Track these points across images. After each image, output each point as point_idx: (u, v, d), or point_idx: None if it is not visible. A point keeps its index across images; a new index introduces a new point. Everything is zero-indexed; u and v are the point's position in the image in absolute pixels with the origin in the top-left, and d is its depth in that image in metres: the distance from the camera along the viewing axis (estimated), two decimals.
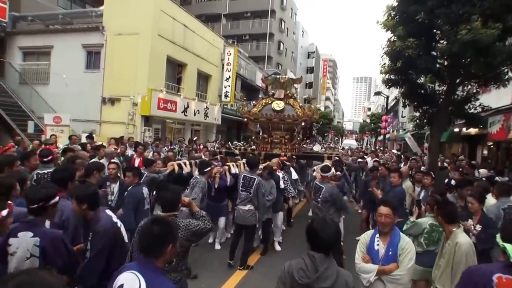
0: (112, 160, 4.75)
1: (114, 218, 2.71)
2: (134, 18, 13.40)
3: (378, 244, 2.87)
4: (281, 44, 39.14)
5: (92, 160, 5.45)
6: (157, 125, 15.18)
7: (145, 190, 4.46)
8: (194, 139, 14.29)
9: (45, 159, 4.54)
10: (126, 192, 4.47)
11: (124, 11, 13.61)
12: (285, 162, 7.09)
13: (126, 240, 2.73)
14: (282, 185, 6.10)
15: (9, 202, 2.14)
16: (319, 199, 4.98)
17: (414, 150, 17.05)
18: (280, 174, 6.29)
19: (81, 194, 2.57)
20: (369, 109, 73.03)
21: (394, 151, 20.61)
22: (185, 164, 6.30)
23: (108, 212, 2.75)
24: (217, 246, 6.07)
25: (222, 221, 6.02)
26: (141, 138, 13.03)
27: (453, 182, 5.58)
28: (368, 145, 53.55)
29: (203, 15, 35.50)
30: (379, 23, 8.21)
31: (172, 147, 11.36)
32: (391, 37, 8.35)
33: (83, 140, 9.72)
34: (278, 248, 6.16)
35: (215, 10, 36.61)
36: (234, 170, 6.16)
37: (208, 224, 2.81)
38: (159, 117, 14.64)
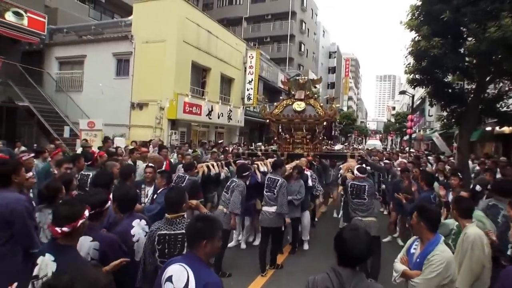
0: (150, 164, 5.06)
1: (134, 230, 2.75)
2: (161, 26, 14.04)
3: (415, 249, 2.85)
4: (302, 45, 39.17)
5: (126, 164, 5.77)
6: (183, 128, 15.74)
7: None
8: (220, 141, 14.72)
9: (88, 162, 5.06)
10: (156, 194, 4.49)
11: (151, 20, 14.27)
12: (313, 162, 7.29)
13: (138, 252, 2.72)
14: (310, 183, 6.19)
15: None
16: (365, 196, 4.89)
17: (443, 150, 16.72)
18: (308, 172, 6.35)
19: (117, 195, 2.75)
20: (394, 108, 71.47)
21: (412, 150, 20.10)
22: (212, 166, 6.54)
23: (136, 222, 2.81)
24: (243, 246, 6.20)
25: (248, 220, 6.20)
26: (168, 141, 13.60)
27: (478, 187, 5.31)
28: (393, 145, 52.42)
29: (224, 19, 36.12)
30: (403, 24, 8.21)
31: (194, 149, 11.69)
32: (415, 37, 8.31)
33: (119, 143, 10.42)
34: (306, 247, 6.23)
35: (236, 14, 37.17)
36: (263, 168, 6.34)
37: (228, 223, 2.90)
38: (185, 121, 15.19)
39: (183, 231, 2.50)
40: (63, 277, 1.13)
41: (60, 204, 2.30)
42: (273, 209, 5.13)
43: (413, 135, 33.12)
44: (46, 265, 2.03)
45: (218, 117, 17.16)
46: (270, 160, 7.04)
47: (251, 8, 36.75)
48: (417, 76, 9.20)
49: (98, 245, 2.36)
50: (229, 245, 5.77)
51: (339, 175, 6.83)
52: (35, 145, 11.25)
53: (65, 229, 2.02)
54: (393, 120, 54.23)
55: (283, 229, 5.43)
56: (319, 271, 2.02)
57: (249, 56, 20.14)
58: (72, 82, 16.00)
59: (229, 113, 18.25)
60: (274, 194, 5.17)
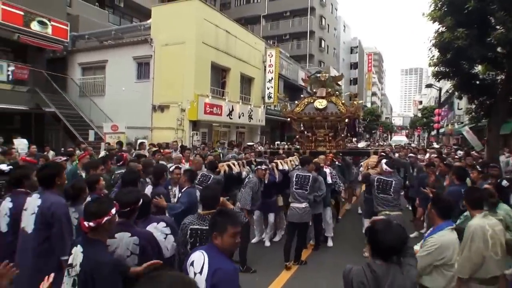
0: (178, 166, 5.19)
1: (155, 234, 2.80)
2: (179, 28, 14.04)
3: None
4: (323, 41, 38.54)
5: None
6: (204, 129, 15.73)
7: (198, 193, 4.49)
8: (239, 141, 14.66)
9: (119, 163, 5.84)
10: (180, 193, 4.60)
11: (170, 22, 14.31)
12: (333, 159, 7.24)
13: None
14: (329, 180, 6.22)
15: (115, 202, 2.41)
16: (391, 192, 4.93)
17: (473, 145, 15.87)
18: (328, 169, 6.36)
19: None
20: (421, 102, 69.29)
21: (436, 146, 19.21)
22: (233, 164, 6.56)
23: (152, 226, 2.85)
24: (267, 243, 6.23)
25: (271, 217, 6.24)
26: (190, 142, 13.60)
27: (505, 182, 5.03)
28: (420, 140, 50.81)
29: (242, 18, 36.06)
30: (425, 15, 7.88)
31: (214, 149, 11.65)
32: (439, 28, 7.99)
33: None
34: (330, 244, 6.22)
35: (254, 12, 37.03)
36: (282, 166, 6.40)
37: (244, 219, 3.09)
38: (206, 121, 15.16)
39: None
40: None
41: (90, 201, 2.50)
42: (303, 205, 5.22)
43: (442, 130, 31.84)
44: (77, 255, 2.22)
45: (239, 117, 17.04)
46: (291, 158, 7.13)
47: (269, 6, 36.51)
48: (442, 68, 8.86)
49: (137, 240, 2.51)
50: (252, 241, 5.97)
51: (360, 172, 6.94)
52: (62, 149, 11.51)
53: (91, 224, 2.19)
54: (419, 115, 52.57)
55: (310, 224, 5.56)
56: (340, 268, 2.03)
57: (269, 55, 19.91)
58: (95, 87, 16.33)
59: (250, 113, 18.10)
60: (306, 191, 5.26)
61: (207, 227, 2.59)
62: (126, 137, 11.77)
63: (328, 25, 40.42)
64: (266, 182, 5.95)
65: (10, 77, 13.30)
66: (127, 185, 3.56)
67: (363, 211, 6.62)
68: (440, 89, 24.13)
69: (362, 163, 7.30)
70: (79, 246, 2.25)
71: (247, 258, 5.07)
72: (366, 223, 5.48)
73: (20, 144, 8.53)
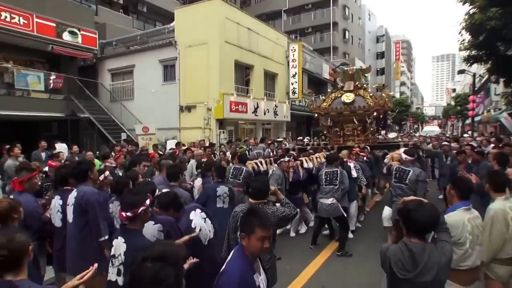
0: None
1: (194, 222, 3.04)
2: (202, 29, 14.24)
3: None
4: (347, 32, 37.71)
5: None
6: (231, 127, 15.89)
7: (220, 188, 4.49)
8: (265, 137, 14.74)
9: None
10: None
11: (193, 24, 14.53)
12: (358, 153, 7.19)
13: (204, 239, 3.04)
14: (354, 174, 6.27)
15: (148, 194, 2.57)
16: (406, 181, 4.92)
17: None
18: (351, 164, 6.41)
19: (164, 202, 2.97)
20: (454, 90, 66.38)
21: (466, 135, 18.29)
22: (261, 163, 6.80)
23: (193, 214, 3.09)
24: (292, 234, 6.44)
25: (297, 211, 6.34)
26: (217, 141, 13.80)
27: None
28: (454, 130, 48.68)
29: (263, 14, 36.00)
30: None
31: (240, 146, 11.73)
32: (469, 10, 7.61)
33: (169, 146, 10.84)
34: (350, 235, 6.25)
35: (275, 7, 36.81)
36: (307, 164, 6.54)
37: (294, 210, 3.01)
38: (232, 119, 15.30)
39: None
40: (156, 248, 1.30)
41: (126, 193, 2.66)
42: (329, 201, 5.42)
43: (478, 118, 30.30)
44: (119, 246, 2.39)
45: (264, 114, 17.06)
46: (318, 154, 7.27)
47: (290, 0, 36.14)
48: (474, 52, 8.44)
49: (161, 227, 2.72)
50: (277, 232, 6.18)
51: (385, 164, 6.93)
52: (97, 152, 12.04)
53: (128, 214, 2.33)
54: (453, 103, 50.36)
55: (345, 215, 5.71)
56: (369, 257, 2.33)
57: (291, 50, 19.75)
58: (124, 91, 16.91)
59: (275, 109, 18.06)
60: (336, 185, 5.46)
61: None
62: (157, 138, 12.13)
63: (352, 14, 39.47)
64: (290, 180, 6.13)
65: (51, 85, 14.04)
66: (171, 178, 4.05)
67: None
68: (474, 75, 22.95)
69: (387, 156, 7.23)
70: (119, 237, 2.42)
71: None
72: (386, 210, 5.61)
73: (61, 148, 9.07)
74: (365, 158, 7.61)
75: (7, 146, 7.60)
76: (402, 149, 5.59)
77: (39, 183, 4.18)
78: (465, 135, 19.85)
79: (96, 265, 2.11)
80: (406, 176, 4.94)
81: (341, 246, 5.51)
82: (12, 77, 12.84)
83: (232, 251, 2.08)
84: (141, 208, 2.39)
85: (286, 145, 12.46)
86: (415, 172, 4.96)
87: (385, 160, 6.82)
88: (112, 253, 2.42)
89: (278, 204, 3.21)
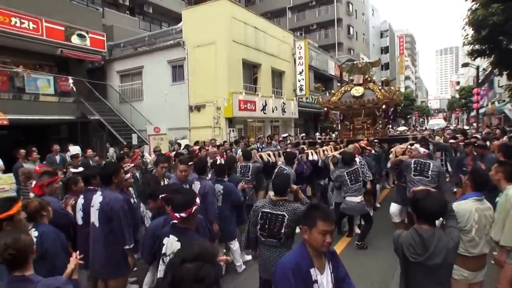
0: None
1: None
2: (210, 29, 14.31)
3: None
4: (351, 28, 37.59)
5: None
6: (240, 125, 15.97)
7: (215, 186, 4.58)
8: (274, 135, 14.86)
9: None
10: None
11: (200, 24, 14.61)
12: (364, 146, 7.14)
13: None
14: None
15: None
16: (429, 174, 4.89)
17: None
18: (357, 159, 6.34)
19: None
20: (458, 83, 66.06)
21: (466, 127, 18.31)
22: (269, 155, 6.97)
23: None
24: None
25: None
26: (227, 139, 13.87)
27: None
28: (459, 122, 48.45)
29: (268, 12, 36.00)
30: None
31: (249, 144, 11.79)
32: (472, 6, 7.73)
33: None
34: (357, 230, 6.26)
35: (279, 5, 36.81)
36: (312, 157, 6.66)
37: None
38: (241, 118, 15.39)
39: (284, 213, 2.89)
40: (193, 249, 1.33)
41: (176, 194, 2.68)
42: (358, 199, 5.47)
43: (482, 110, 30.17)
44: (171, 244, 2.48)
45: (273, 111, 17.13)
46: (326, 147, 7.43)
47: None
48: (477, 46, 8.57)
49: None
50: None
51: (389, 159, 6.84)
52: (107, 153, 12.16)
53: (183, 214, 2.44)
54: (457, 96, 50.09)
55: (371, 213, 5.78)
56: (381, 249, 2.37)
57: (298, 47, 19.78)
58: (133, 92, 17.04)
59: (283, 106, 18.13)
60: (360, 182, 5.53)
61: (277, 212, 2.92)
62: (168, 138, 12.24)
63: (356, 10, 39.33)
64: (293, 171, 6.10)
65: (63, 88, 14.26)
66: (198, 172, 4.37)
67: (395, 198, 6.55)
68: (478, 68, 22.82)
69: (392, 149, 7.10)
70: (171, 236, 2.51)
71: None
72: (394, 206, 5.68)
73: (75, 151, 9.20)
74: (373, 152, 7.58)
75: (22, 151, 7.70)
76: (414, 144, 5.57)
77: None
78: (466, 127, 19.85)
79: (78, 252, 2.40)
80: (428, 169, 4.91)
81: (362, 237, 5.58)
82: (23, 81, 13.01)
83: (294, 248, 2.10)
84: (194, 208, 2.50)
85: (291, 140, 12.54)
86: (436, 164, 4.98)
87: (390, 156, 6.73)
88: (163, 252, 2.50)
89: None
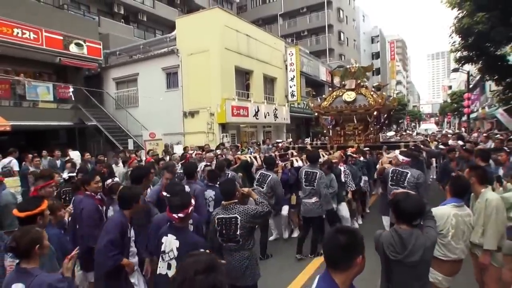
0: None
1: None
2: (203, 37, 14.83)
3: None
4: (342, 34, 38.32)
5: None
6: (233, 130, 16.44)
7: (207, 192, 4.66)
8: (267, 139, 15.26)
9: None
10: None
11: (193, 32, 15.13)
12: (351, 154, 6.98)
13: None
14: (343, 178, 6.15)
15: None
16: (404, 184, 4.64)
17: (509, 127, 15.47)
18: (342, 167, 6.27)
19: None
20: (450, 87, 66.90)
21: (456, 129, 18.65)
22: (255, 158, 7.16)
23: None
24: (285, 235, 6.49)
25: (285, 209, 6.27)
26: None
27: None
28: (451, 127, 49.17)
29: (259, 18, 36.66)
30: (443, 2, 8.02)
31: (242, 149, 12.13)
32: (458, 14, 8.09)
33: (176, 150, 11.38)
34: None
35: (271, 11, 37.47)
36: (297, 163, 6.52)
37: (266, 207, 3.16)
38: (234, 123, 15.87)
39: (236, 215, 3.03)
40: (203, 260, 1.40)
41: (173, 196, 2.87)
42: (312, 200, 5.31)
43: (474, 114, 30.80)
44: (170, 242, 2.67)
45: (265, 117, 17.63)
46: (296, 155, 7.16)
47: (285, 4, 36.82)
48: (464, 53, 8.87)
49: (191, 221, 3.08)
50: (270, 238, 6.11)
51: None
52: (105, 158, 12.53)
53: (180, 215, 2.64)
54: (449, 100, 50.89)
55: (323, 216, 5.50)
56: (369, 260, 1.80)
57: (289, 54, 20.32)
58: (129, 99, 17.47)
59: (275, 112, 18.64)
60: (314, 187, 5.30)
61: (229, 216, 3.04)
62: (163, 144, 12.66)
63: (347, 17, 40.09)
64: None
65: (69, 96, 14.76)
66: (187, 176, 4.50)
67: (379, 208, 6.34)
68: (468, 73, 23.49)
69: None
70: (169, 235, 2.69)
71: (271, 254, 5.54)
72: (385, 221, 5.46)
73: (74, 156, 9.61)
74: (362, 159, 7.47)
75: (30, 155, 8.16)
76: (396, 151, 5.33)
77: (54, 190, 4.41)
78: (456, 131, 20.10)
79: (77, 248, 2.61)
80: (404, 179, 4.69)
81: (313, 248, 5.39)
82: (24, 89, 13.44)
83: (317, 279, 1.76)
84: (190, 208, 2.70)
85: (282, 145, 12.55)
86: (414, 174, 4.70)
87: (377, 166, 6.34)
88: (162, 249, 2.70)
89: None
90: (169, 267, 2.65)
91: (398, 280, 2.42)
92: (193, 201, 2.78)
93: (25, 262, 2.18)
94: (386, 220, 5.46)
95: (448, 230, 2.97)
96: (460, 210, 3.04)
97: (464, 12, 7.83)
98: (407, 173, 4.73)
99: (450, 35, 8.97)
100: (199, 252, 1.98)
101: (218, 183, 4.58)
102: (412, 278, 2.39)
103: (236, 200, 3.14)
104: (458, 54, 9.45)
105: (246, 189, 3.42)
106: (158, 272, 2.72)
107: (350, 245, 1.67)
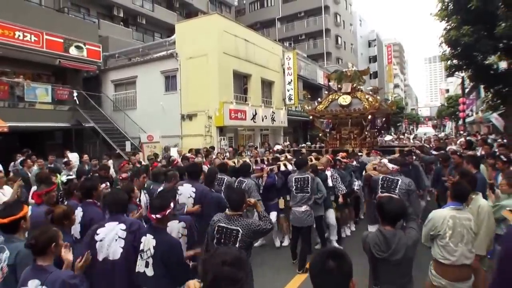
0: None
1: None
2: (202, 41, 15.01)
3: None
4: (339, 38, 38.70)
5: None
6: (230, 133, 16.58)
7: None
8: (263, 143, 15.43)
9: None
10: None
11: (193, 37, 15.30)
12: (339, 159, 6.76)
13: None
14: (330, 183, 5.93)
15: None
16: (396, 191, 4.51)
17: (503, 131, 15.69)
18: (329, 172, 6.06)
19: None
20: (447, 90, 67.27)
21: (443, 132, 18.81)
22: (234, 162, 7.12)
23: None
24: (277, 244, 6.33)
25: (273, 215, 6.03)
26: (217, 147, 14.47)
27: None
28: (449, 130, 49.50)
29: (257, 22, 37.00)
30: (433, 15, 8.29)
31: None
32: (447, 26, 8.38)
33: (172, 153, 11.49)
34: (335, 245, 5.93)
35: (269, 15, 37.80)
36: (284, 168, 6.33)
37: (270, 225, 3.09)
38: (232, 126, 16.01)
39: (238, 227, 2.94)
40: (231, 254, 1.52)
41: (154, 198, 3.04)
42: (302, 208, 5.17)
43: (471, 118, 31.11)
44: (148, 241, 2.77)
45: (262, 120, 17.80)
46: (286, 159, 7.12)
47: (283, 8, 37.14)
48: (455, 61, 9.16)
49: (184, 224, 3.24)
50: (255, 244, 5.93)
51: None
52: (103, 160, 12.63)
53: (158, 216, 2.76)
54: (446, 104, 51.27)
55: (313, 227, 5.40)
56: (355, 269, 1.62)
57: (286, 58, 20.53)
58: (127, 101, 17.56)
59: (272, 115, 18.81)
60: (308, 193, 5.18)
61: (231, 227, 2.98)
62: (161, 146, 12.80)
63: (344, 21, 40.49)
64: (263, 184, 5.92)
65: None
66: (191, 176, 4.48)
67: (366, 216, 6.16)
68: (462, 78, 23.78)
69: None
70: (148, 235, 2.80)
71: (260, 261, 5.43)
72: (371, 228, 5.22)
73: (72, 157, 9.62)
74: (354, 163, 7.31)
75: (34, 157, 8.27)
76: (385, 160, 5.21)
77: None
78: (429, 134, 19.97)
79: (88, 251, 2.68)
80: (395, 186, 4.56)
81: (302, 263, 5.08)
82: (23, 90, 13.56)
83: None
84: (168, 211, 2.80)
85: (278, 149, 12.53)
86: (405, 181, 4.58)
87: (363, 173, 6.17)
88: (141, 248, 2.81)
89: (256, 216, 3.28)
90: (146, 265, 2.74)
91: (384, 277, 2.64)
92: (172, 205, 2.87)
93: (41, 260, 2.32)
94: (373, 229, 5.19)
95: (445, 231, 3.06)
96: (459, 213, 3.11)
97: (452, 24, 8.07)
98: (398, 180, 4.63)
99: (440, 44, 9.22)
100: (232, 247, 2.19)
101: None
102: (396, 275, 2.61)
103: (241, 212, 3.08)
104: (449, 62, 9.68)
105: (252, 200, 3.27)
106: (137, 270, 2.80)
107: (345, 272, 1.54)
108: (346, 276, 1.53)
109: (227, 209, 3.16)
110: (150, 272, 2.72)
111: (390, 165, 4.81)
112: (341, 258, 1.55)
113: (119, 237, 2.90)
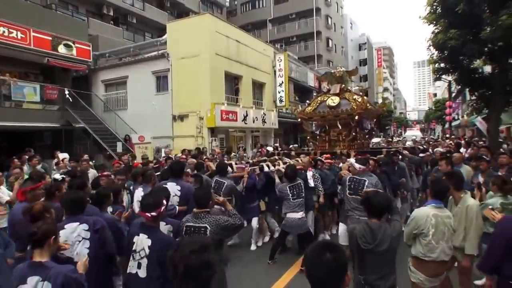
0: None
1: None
2: (193, 42, 14.97)
3: None
4: (330, 41, 38.98)
5: None
6: (222, 135, 16.57)
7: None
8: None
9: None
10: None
11: (184, 37, 15.25)
12: (320, 159, 6.77)
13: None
14: (311, 183, 5.87)
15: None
16: (361, 192, 4.43)
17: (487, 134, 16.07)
18: (310, 172, 6.00)
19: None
20: (435, 94, 68.52)
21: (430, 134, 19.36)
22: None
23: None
24: (253, 247, 6.20)
25: (255, 221, 6.04)
26: (209, 148, 14.45)
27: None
28: (435, 134, 50.35)
29: (249, 23, 37.03)
30: (421, 18, 8.48)
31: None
32: (434, 29, 8.58)
33: (163, 153, 11.43)
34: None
35: (260, 17, 37.90)
36: (267, 168, 6.17)
37: (239, 221, 3.07)
38: (223, 128, 15.99)
39: (206, 224, 2.93)
40: (197, 241, 1.55)
41: (146, 196, 2.98)
42: (299, 214, 5.19)
43: (457, 122, 31.74)
44: (141, 242, 2.69)
45: (253, 122, 17.83)
46: (289, 160, 6.90)
47: (274, 10, 37.28)
48: (442, 65, 9.39)
49: (171, 227, 3.14)
50: (229, 243, 6.09)
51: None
52: (93, 161, 12.45)
53: (153, 213, 2.69)
54: (434, 107, 52.18)
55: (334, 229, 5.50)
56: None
57: (278, 60, 20.61)
58: (118, 101, 17.40)
59: (263, 117, 18.86)
60: (303, 198, 5.24)
61: (199, 225, 2.95)
62: (152, 147, 12.71)
63: (335, 24, 40.82)
64: (244, 185, 5.85)
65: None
66: (175, 174, 4.48)
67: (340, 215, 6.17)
68: (449, 82, 24.24)
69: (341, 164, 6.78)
70: (141, 234, 2.69)
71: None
72: (341, 227, 5.21)
73: (64, 158, 9.48)
74: (341, 165, 6.99)
75: (27, 157, 8.12)
76: (351, 159, 5.26)
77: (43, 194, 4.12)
78: (414, 137, 20.52)
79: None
80: (362, 187, 4.53)
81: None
82: (9, 89, 13.25)
83: None
84: (163, 208, 2.75)
85: (268, 151, 12.47)
86: (372, 182, 4.55)
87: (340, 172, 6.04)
88: (133, 249, 2.71)
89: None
90: (139, 266, 2.66)
91: (369, 267, 2.77)
92: (165, 201, 2.83)
93: (38, 255, 2.25)
94: (342, 228, 5.16)
95: (428, 230, 3.13)
96: (440, 212, 3.20)
97: (440, 28, 8.26)
98: (365, 181, 4.58)
99: (428, 47, 9.44)
100: (197, 236, 2.19)
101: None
102: (382, 265, 2.75)
103: (208, 209, 3.07)
104: (436, 65, 9.93)
105: (221, 198, 3.30)
106: (128, 271, 2.72)
107: (342, 264, 1.51)
108: (343, 269, 1.50)
109: (194, 209, 3.14)
110: (142, 273, 2.64)
111: (357, 165, 4.77)
112: (338, 250, 1.53)
113: (83, 238, 2.79)
